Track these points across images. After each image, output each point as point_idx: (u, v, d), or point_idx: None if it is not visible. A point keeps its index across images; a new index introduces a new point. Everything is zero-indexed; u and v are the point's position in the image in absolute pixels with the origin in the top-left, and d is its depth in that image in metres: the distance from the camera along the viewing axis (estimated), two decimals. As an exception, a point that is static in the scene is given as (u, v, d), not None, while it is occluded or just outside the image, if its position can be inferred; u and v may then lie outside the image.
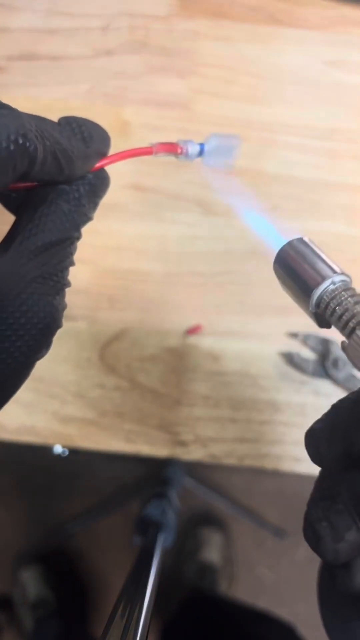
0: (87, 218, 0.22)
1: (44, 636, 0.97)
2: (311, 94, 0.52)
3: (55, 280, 0.20)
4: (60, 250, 0.21)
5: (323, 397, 0.48)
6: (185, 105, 0.52)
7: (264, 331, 0.50)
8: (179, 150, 0.25)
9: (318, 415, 0.22)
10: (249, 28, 0.53)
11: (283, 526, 1.14)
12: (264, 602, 0.95)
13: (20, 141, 0.18)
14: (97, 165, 0.23)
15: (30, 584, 1.09)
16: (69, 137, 0.21)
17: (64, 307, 0.21)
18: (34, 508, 1.20)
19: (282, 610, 0.81)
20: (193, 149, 0.25)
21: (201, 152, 0.26)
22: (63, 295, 0.21)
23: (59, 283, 0.21)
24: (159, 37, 0.53)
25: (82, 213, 0.22)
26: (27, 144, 0.18)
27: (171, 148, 0.25)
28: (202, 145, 0.26)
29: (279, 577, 1.16)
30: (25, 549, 1.15)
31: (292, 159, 0.51)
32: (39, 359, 0.21)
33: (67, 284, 0.21)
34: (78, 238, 0.22)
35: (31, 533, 1.18)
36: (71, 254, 0.22)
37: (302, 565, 1.15)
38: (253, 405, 0.49)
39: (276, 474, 1.11)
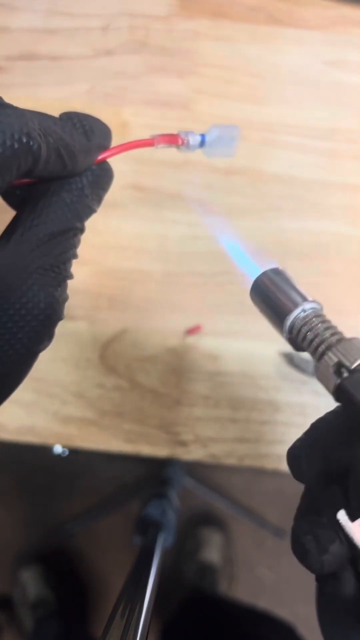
0: (90, 210, 0.22)
1: (44, 636, 0.97)
2: (311, 94, 0.52)
3: (56, 271, 0.20)
4: (63, 241, 0.21)
5: (323, 397, 0.48)
6: (185, 105, 0.52)
7: (264, 331, 0.50)
8: (180, 141, 0.25)
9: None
10: (249, 28, 0.53)
11: (283, 526, 1.14)
12: (264, 602, 0.95)
13: (24, 140, 0.18)
14: (100, 157, 0.23)
15: (30, 584, 1.09)
16: (71, 132, 0.21)
17: (65, 299, 0.21)
18: (34, 508, 1.20)
19: (282, 610, 0.81)
20: (194, 139, 0.25)
21: (202, 143, 0.26)
22: (65, 287, 0.21)
23: (61, 275, 0.21)
24: (159, 37, 0.53)
25: (85, 204, 0.22)
26: (31, 143, 0.18)
27: (172, 139, 0.25)
28: (203, 135, 0.26)
29: (279, 577, 1.16)
30: (25, 549, 1.15)
31: (292, 159, 0.51)
32: (41, 350, 0.20)
33: (69, 276, 0.21)
34: (81, 230, 0.22)
35: (31, 533, 1.18)
36: (74, 246, 0.22)
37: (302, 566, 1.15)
38: (253, 406, 0.49)
39: (276, 474, 1.11)
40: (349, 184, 0.51)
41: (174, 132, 0.25)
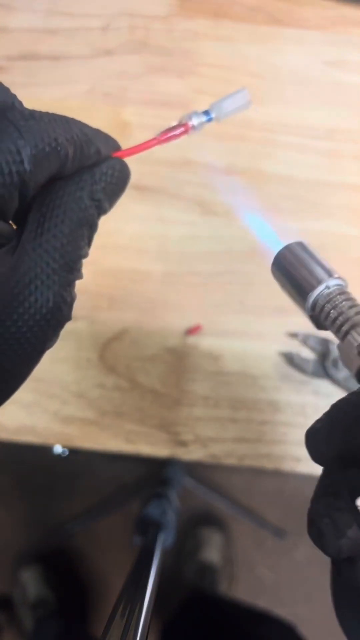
0: (100, 207, 0.22)
1: (44, 636, 0.97)
2: (311, 94, 0.52)
3: (67, 270, 0.20)
4: (72, 240, 0.21)
5: (323, 397, 0.48)
6: (185, 105, 0.52)
7: (264, 331, 0.50)
8: (187, 129, 0.25)
9: (318, 415, 0.22)
10: (249, 28, 0.53)
11: (283, 526, 1.14)
12: (264, 602, 0.95)
13: (53, 145, 0.19)
14: (116, 154, 0.23)
15: (30, 584, 1.09)
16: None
17: (74, 299, 0.21)
18: (34, 508, 1.20)
19: (282, 610, 0.81)
20: (199, 122, 0.25)
21: (209, 119, 0.25)
22: (73, 287, 0.21)
23: (71, 275, 0.21)
24: (159, 37, 0.53)
25: (94, 202, 0.22)
26: (59, 148, 0.19)
27: (180, 132, 0.24)
28: (209, 114, 0.25)
29: (279, 577, 1.16)
30: (25, 549, 1.15)
31: (292, 159, 0.51)
32: (47, 349, 0.21)
33: (79, 276, 0.21)
34: (91, 227, 0.22)
35: (31, 533, 1.18)
36: (85, 244, 0.21)
37: (302, 565, 1.15)
38: (253, 405, 0.49)
39: (276, 474, 1.11)
40: (349, 184, 0.51)
41: (177, 123, 0.25)
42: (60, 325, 0.20)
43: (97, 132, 0.22)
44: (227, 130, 0.52)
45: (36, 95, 0.52)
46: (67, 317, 0.21)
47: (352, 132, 0.52)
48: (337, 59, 0.53)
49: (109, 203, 0.23)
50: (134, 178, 0.24)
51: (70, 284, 0.21)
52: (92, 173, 0.22)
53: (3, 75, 0.52)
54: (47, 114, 0.20)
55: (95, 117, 0.52)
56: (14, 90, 0.20)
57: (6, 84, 0.20)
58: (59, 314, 0.20)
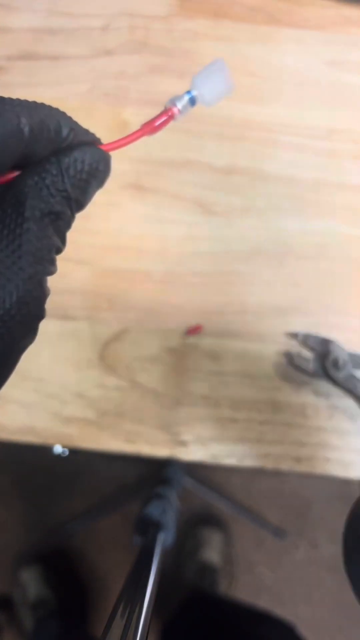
0: (68, 197, 0.21)
1: (44, 636, 0.97)
2: (311, 94, 0.52)
3: (30, 262, 0.19)
4: (33, 231, 0.20)
5: (323, 397, 0.48)
6: (185, 105, 0.52)
7: (264, 331, 0.50)
8: (171, 115, 0.24)
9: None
10: (249, 28, 0.53)
11: (283, 526, 1.15)
12: (264, 602, 0.95)
13: (15, 121, 0.18)
14: (101, 147, 0.22)
15: (30, 584, 1.09)
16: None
17: (46, 294, 0.20)
18: (34, 508, 1.20)
19: (282, 610, 0.82)
20: (183, 104, 0.24)
21: (193, 100, 0.24)
22: (44, 281, 0.20)
23: (38, 265, 0.19)
24: (159, 37, 0.53)
25: (60, 192, 0.20)
26: (21, 126, 0.19)
27: (166, 120, 0.24)
28: (189, 92, 0.24)
29: (279, 577, 1.16)
30: (25, 549, 1.15)
31: (292, 159, 0.51)
32: (22, 347, 0.20)
33: (50, 269, 0.20)
34: (57, 218, 0.20)
35: (31, 533, 1.18)
36: (51, 234, 0.20)
37: (302, 565, 1.15)
38: (253, 405, 0.49)
39: (276, 474, 1.11)
40: (349, 184, 0.51)
41: (162, 114, 0.24)
42: (27, 321, 0.19)
43: (74, 122, 0.21)
44: (227, 130, 0.52)
45: (36, 95, 0.52)
46: (37, 313, 0.20)
47: (352, 132, 0.52)
48: (337, 59, 0.53)
49: (82, 193, 0.21)
50: (134, 178, 0.24)
51: (37, 277, 0.19)
52: (58, 161, 0.20)
53: (3, 75, 0.52)
54: (11, 98, 0.19)
55: (95, 117, 0.52)
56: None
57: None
58: (24, 308, 0.19)
